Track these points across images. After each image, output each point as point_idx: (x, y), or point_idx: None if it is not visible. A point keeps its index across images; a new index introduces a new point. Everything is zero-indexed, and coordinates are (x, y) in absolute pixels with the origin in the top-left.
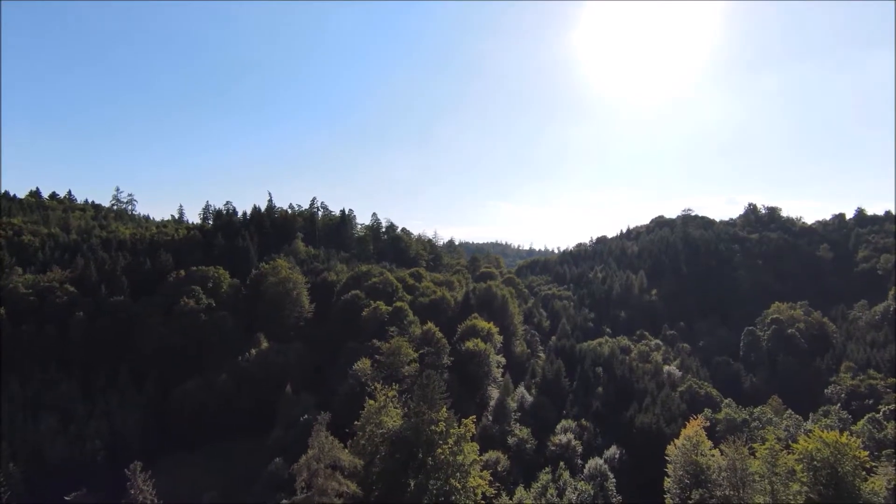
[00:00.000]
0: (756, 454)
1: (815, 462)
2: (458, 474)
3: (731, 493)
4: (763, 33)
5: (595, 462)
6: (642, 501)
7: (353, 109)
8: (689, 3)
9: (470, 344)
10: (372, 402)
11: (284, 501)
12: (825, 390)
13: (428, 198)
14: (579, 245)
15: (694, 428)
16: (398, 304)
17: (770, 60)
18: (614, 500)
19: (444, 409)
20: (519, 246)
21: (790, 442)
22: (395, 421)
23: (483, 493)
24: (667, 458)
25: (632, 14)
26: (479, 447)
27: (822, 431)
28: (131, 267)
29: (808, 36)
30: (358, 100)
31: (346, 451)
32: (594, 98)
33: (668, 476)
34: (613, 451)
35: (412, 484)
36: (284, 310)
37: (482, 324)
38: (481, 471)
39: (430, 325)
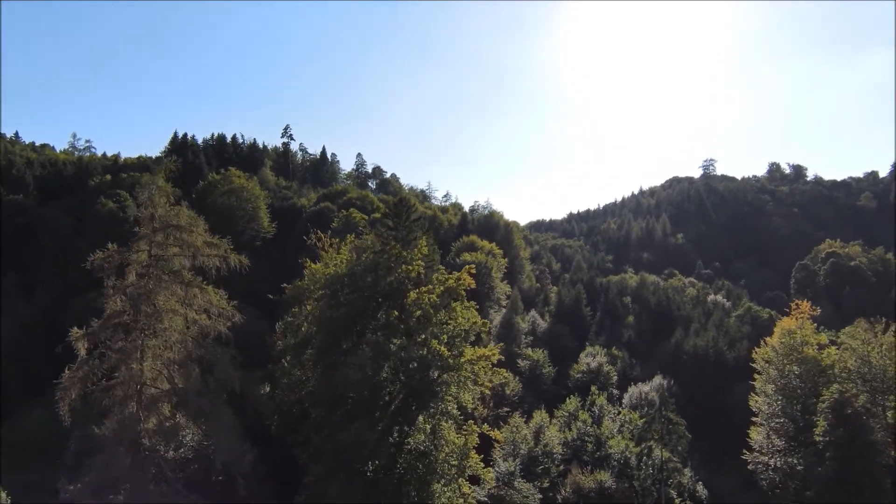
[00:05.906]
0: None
1: None
2: (444, 336)
3: (867, 398)
4: (762, 31)
5: (638, 389)
6: (703, 433)
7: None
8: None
9: (467, 255)
10: (315, 265)
11: (74, 331)
12: None
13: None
14: (587, 211)
15: (798, 319)
16: (377, 215)
17: (769, 58)
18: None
19: (424, 244)
20: None
21: None
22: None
23: (491, 382)
24: (752, 364)
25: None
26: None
27: None
28: (49, 176)
29: (803, 34)
30: (343, 91)
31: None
32: (590, 94)
33: (756, 393)
34: (659, 380)
35: (363, 340)
36: (237, 225)
37: (483, 242)
38: (484, 347)
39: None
